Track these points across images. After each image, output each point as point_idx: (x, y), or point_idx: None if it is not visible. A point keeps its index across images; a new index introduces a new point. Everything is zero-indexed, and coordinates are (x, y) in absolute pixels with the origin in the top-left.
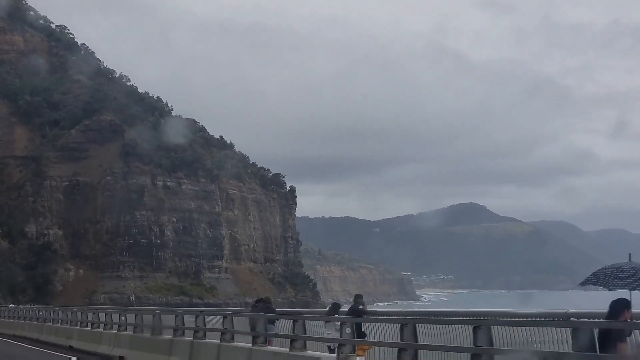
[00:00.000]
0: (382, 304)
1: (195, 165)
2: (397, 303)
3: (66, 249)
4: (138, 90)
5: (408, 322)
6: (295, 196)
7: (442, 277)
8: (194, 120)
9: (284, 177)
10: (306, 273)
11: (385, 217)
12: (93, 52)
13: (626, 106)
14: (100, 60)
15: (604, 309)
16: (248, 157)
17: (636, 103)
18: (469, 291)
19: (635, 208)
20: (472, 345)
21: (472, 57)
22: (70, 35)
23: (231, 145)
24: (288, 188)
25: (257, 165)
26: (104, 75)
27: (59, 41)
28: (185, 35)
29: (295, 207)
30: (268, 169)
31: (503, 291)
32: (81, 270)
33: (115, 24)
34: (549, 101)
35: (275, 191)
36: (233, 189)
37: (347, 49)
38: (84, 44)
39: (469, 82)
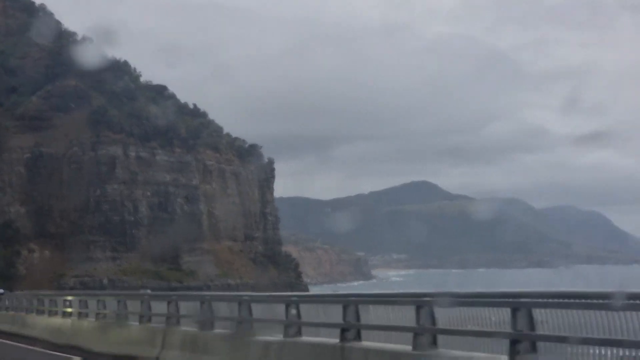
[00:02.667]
0: (341, 284)
1: (170, 135)
2: (354, 284)
3: (29, 228)
4: (104, 53)
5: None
6: (274, 169)
7: (395, 257)
8: (165, 86)
9: (261, 147)
10: (287, 251)
11: (337, 197)
12: (52, 14)
13: (579, 81)
14: (60, 22)
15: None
16: (222, 127)
17: (590, 78)
18: (424, 270)
19: (584, 184)
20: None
21: (425, 32)
22: None
23: (205, 114)
24: (266, 160)
25: (231, 135)
26: (65, 38)
27: (15, 1)
28: (141, 11)
29: (274, 181)
30: (244, 140)
31: (453, 270)
32: (47, 252)
33: None
34: (501, 77)
35: (253, 163)
36: (210, 160)
37: (299, 26)
38: (42, 4)
39: (422, 57)
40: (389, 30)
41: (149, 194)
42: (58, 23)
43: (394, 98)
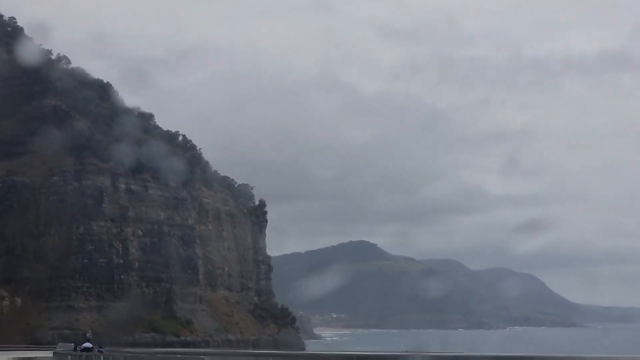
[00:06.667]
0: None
1: (163, 166)
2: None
3: None
4: (86, 72)
5: None
6: (266, 212)
7: (335, 316)
8: (151, 113)
9: (252, 188)
10: (283, 305)
11: (274, 255)
12: (22, 28)
13: (519, 142)
14: (32, 39)
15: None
16: (208, 162)
17: (529, 139)
18: (366, 330)
19: (519, 247)
20: None
21: (365, 89)
22: None
23: (193, 147)
24: (257, 202)
25: (219, 173)
26: (42, 55)
27: None
28: None
29: (266, 225)
30: (233, 179)
31: (393, 330)
32: (18, 299)
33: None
34: (441, 137)
35: (244, 204)
36: (206, 198)
37: (237, 80)
38: (12, 17)
39: (361, 115)
40: (327, 86)
41: (140, 232)
42: (31, 40)
43: (331, 156)
